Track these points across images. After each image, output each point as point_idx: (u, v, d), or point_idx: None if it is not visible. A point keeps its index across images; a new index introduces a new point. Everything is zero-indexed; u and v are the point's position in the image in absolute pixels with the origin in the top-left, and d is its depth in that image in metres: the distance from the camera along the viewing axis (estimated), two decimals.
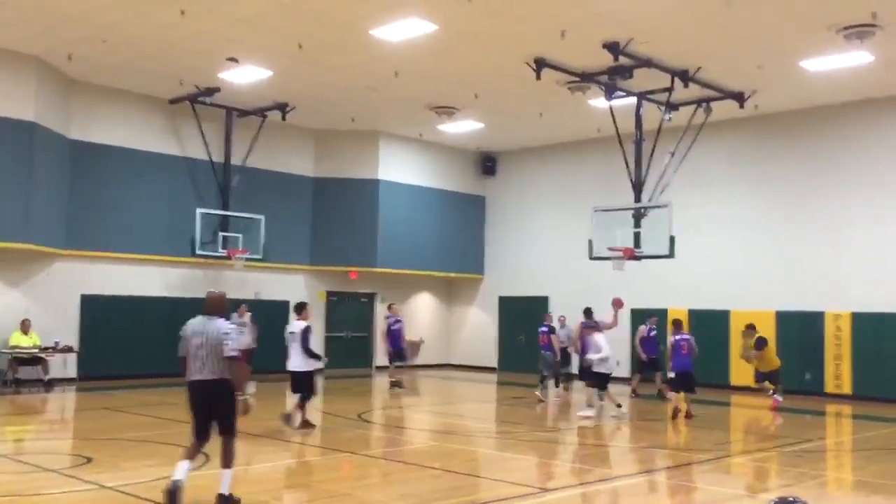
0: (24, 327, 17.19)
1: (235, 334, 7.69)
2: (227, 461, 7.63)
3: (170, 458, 9.67)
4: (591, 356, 14.53)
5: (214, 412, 7.66)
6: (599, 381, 14.55)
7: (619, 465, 10.35)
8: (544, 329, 17.63)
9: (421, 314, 25.77)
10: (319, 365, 12.82)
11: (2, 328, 17.16)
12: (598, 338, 14.66)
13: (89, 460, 9.49)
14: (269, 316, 19.55)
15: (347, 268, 23.16)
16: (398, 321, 19.53)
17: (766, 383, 16.40)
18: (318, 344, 22.88)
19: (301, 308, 12.86)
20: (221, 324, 7.67)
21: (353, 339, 24.00)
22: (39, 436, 10.04)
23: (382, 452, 10.85)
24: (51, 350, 17.42)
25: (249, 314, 17.37)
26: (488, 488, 8.80)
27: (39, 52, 16.61)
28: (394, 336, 19.25)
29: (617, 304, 16.12)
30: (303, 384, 12.50)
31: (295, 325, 12.66)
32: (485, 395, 19.79)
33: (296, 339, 12.44)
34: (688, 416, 14.21)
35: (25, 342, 17.14)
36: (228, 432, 7.70)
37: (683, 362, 14.53)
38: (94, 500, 7.90)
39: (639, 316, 21.32)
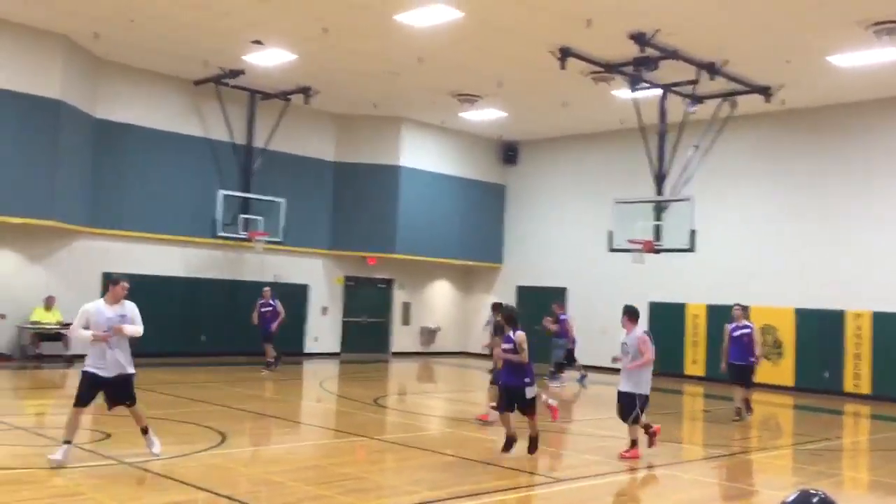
0: (49, 304, 17.41)
1: None
2: None
3: (187, 437, 9.80)
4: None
5: None
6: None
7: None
8: (565, 317, 18.30)
9: (438, 301, 25.82)
10: None
11: (25, 303, 17.38)
12: None
13: (108, 436, 9.61)
14: (288, 299, 19.62)
15: (366, 253, 23.22)
16: (270, 304, 18.59)
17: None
18: (335, 328, 23.17)
19: None
20: None
21: (370, 325, 24.09)
22: (60, 410, 10.14)
23: (397, 438, 10.89)
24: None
25: None
26: (501, 476, 8.82)
27: (66, 31, 16.72)
28: (264, 319, 18.42)
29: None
30: None
31: None
32: None
33: None
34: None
35: (48, 318, 17.37)
36: None
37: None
38: (114, 475, 7.99)
39: (659, 310, 21.25)
